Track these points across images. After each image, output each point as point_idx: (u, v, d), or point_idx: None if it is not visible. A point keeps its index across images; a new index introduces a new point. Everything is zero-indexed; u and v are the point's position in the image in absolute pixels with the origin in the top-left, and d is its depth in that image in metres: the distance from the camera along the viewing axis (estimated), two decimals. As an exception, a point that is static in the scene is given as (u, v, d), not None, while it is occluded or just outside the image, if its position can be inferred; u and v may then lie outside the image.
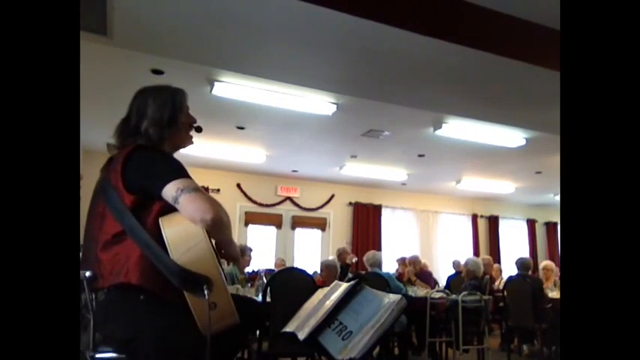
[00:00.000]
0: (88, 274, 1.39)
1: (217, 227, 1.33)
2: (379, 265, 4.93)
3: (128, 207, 1.36)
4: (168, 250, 1.27)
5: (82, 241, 1.47)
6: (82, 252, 1.46)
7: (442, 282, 7.13)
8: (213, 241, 1.45)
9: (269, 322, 3.20)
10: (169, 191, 1.33)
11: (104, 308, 1.40)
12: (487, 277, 5.63)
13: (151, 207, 1.37)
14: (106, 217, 1.40)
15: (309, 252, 9.00)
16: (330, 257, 6.90)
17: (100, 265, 1.38)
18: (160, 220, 1.33)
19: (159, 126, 1.51)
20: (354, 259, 6.37)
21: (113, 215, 1.38)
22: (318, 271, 5.48)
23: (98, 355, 1.49)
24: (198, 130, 1.63)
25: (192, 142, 1.64)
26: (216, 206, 1.32)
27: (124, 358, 1.42)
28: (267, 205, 8.79)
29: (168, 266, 1.26)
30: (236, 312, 1.33)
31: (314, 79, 4.40)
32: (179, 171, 1.39)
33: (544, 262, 6.59)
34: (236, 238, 7.93)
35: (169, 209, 1.35)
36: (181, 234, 1.29)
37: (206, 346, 1.24)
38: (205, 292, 1.23)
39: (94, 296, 1.45)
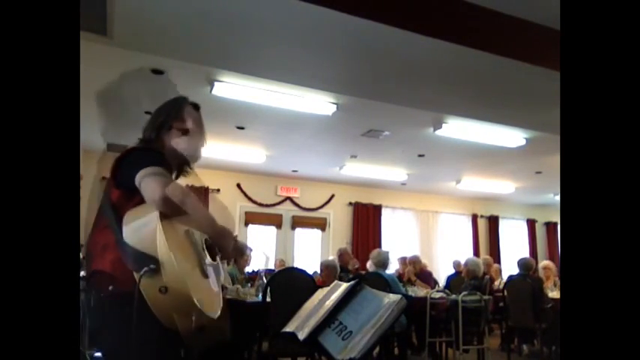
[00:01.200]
0: None
1: (168, 206, 1.34)
2: (384, 265, 4.67)
3: (113, 201, 1.43)
4: (124, 236, 1.30)
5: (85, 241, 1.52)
6: None
7: (442, 282, 7.12)
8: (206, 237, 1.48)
9: (269, 322, 3.20)
10: (137, 180, 1.38)
11: (83, 300, 1.45)
12: (487, 277, 5.63)
13: (132, 199, 1.42)
14: (102, 214, 1.48)
15: (309, 252, 9.00)
16: (330, 257, 6.89)
17: (90, 257, 1.44)
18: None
19: (151, 128, 1.62)
20: (356, 266, 6.36)
21: (103, 210, 1.46)
22: (318, 271, 5.48)
23: (98, 355, 1.50)
24: (185, 132, 1.69)
25: (188, 147, 1.69)
26: (164, 186, 1.34)
27: None
28: (267, 205, 8.78)
29: (125, 250, 1.29)
30: (199, 306, 1.27)
31: (314, 79, 4.39)
32: (152, 162, 1.43)
33: (544, 262, 6.59)
34: (236, 238, 7.91)
35: None
36: (137, 220, 1.34)
37: (166, 337, 1.27)
38: (146, 268, 1.23)
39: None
